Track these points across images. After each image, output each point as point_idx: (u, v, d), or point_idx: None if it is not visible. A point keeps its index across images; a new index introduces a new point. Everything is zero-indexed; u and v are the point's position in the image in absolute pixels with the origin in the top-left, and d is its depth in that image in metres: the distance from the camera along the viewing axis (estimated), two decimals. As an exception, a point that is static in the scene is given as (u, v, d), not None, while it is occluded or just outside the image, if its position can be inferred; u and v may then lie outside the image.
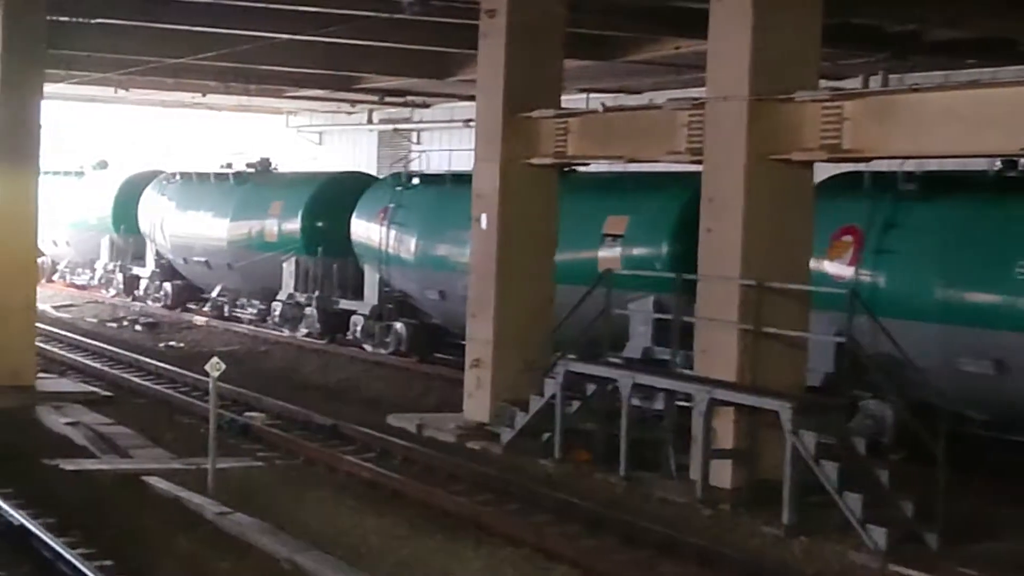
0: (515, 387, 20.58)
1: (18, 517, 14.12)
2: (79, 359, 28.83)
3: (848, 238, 19.54)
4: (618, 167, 22.59)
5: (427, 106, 44.21)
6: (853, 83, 18.59)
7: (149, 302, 41.68)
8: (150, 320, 37.89)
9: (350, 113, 49.48)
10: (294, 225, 34.25)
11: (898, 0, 22.38)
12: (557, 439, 18.77)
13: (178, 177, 41.03)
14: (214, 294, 38.39)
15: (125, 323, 37.52)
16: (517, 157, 21.25)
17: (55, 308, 40.75)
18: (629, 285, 21.46)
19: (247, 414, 22.12)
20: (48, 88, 24.89)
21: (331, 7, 24.21)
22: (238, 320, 36.90)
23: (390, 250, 30.12)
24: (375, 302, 31.22)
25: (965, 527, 15.20)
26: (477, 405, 21.45)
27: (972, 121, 15.07)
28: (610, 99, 30.54)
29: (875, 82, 16.87)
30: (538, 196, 21.53)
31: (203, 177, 39.69)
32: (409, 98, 41.76)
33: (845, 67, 24.64)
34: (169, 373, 26.95)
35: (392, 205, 30.22)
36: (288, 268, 34.10)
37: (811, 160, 16.94)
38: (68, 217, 46.90)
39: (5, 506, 14.52)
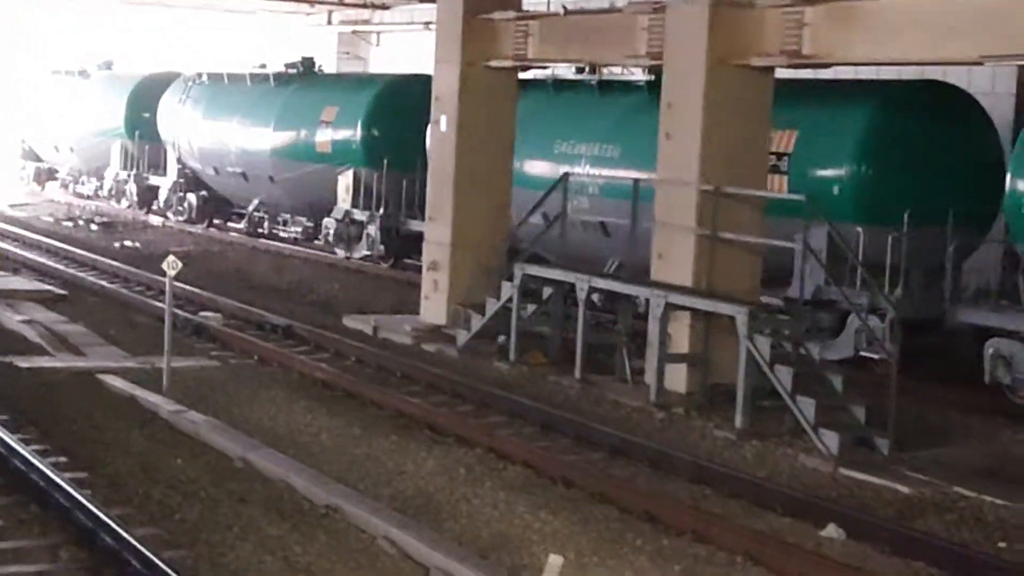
0: (472, 290, 20.59)
1: (-29, 413, 14.08)
2: (34, 258, 28.66)
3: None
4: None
5: (387, 7, 43.87)
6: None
7: (170, 214, 38.02)
8: (106, 220, 37.73)
9: (308, 14, 49.03)
10: (353, 134, 30.57)
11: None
12: (513, 342, 18.82)
13: (206, 79, 36.70)
14: (250, 209, 34.79)
15: (81, 223, 37.32)
16: (477, 59, 21.10)
17: (11, 207, 40.48)
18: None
19: (202, 314, 22.05)
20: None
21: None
22: (277, 238, 33.81)
23: None
24: None
25: (916, 433, 15.34)
26: (434, 308, 21.44)
27: (935, 29, 15.02)
28: (571, 2, 30.32)
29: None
30: (497, 99, 21.40)
31: (237, 79, 35.40)
32: (368, -1, 41.50)
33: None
34: (124, 273, 26.84)
35: None
36: (344, 182, 30.49)
37: (771, 66, 16.90)
38: (71, 121, 43.23)
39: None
